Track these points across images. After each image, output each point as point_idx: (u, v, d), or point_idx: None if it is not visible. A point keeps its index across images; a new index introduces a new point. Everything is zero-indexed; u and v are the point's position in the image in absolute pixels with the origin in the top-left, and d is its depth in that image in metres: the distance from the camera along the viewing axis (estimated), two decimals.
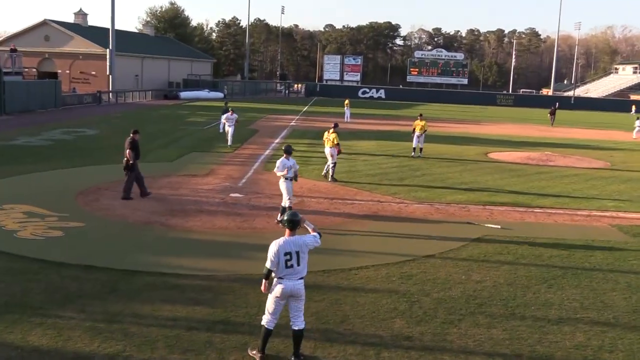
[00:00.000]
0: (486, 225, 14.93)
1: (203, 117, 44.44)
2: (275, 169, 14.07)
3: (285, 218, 7.67)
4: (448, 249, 12.83)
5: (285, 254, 7.55)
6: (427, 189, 19.44)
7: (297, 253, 7.59)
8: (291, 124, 42.41)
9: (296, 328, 7.77)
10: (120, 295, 9.65)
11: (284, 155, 14.04)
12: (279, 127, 38.97)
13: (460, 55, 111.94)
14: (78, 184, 17.86)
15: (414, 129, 26.68)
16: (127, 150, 16.19)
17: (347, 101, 46.45)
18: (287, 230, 7.67)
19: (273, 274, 7.73)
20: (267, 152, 26.90)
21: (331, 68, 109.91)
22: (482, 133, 41.17)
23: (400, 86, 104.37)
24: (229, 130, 27.96)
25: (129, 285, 10.10)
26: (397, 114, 56.97)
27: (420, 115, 27.44)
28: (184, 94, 69.05)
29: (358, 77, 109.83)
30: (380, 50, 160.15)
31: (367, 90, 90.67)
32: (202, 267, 11.10)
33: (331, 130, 20.75)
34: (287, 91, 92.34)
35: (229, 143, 27.46)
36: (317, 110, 58.34)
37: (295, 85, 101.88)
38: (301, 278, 7.68)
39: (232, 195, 17.28)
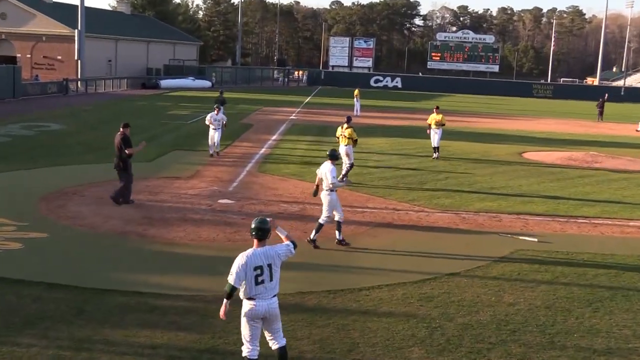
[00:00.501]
0: (520, 237, 14.90)
1: (187, 110, 44.54)
2: (333, 179, 13.45)
3: (253, 225, 7.63)
4: (475, 265, 12.82)
5: (255, 268, 7.49)
6: (452, 194, 19.45)
7: (270, 267, 7.53)
8: (291, 117, 42.48)
9: (278, 346, 7.80)
10: (88, 319, 9.66)
11: (330, 161, 13.68)
12: (276, 122, 39.05)
13: (490, 38, 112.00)
14: (40, 188, 17.91)
15: (430, 125, 26.61)
16: (129, 151, 16.27)
17: (357, 91, 46.54)
18: (255, 240, 7.63)
19: (240, 293, 7.65)
20: (263, 150, 26.94)
21: (338, 52, 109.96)
22: (516, 129, 41.17)
23: (420, 74, 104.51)
24: (215, 135, 24.52)
25: (99, 306, 10.11)
26: (415, 107, 57.02)
27: (437, 107, 27.19)
28: (165, 83, 69.30)
29: (370, 63, 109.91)
30: (396, 31, 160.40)
31: (381, 78, 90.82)
32: (186, 286, 11.11)
33: (345, 126, 20.81)
34: (286, 79, 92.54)
35: (212, 151, 24.56)
36: (322, 102, 58.42)
37: (296, 73, 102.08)
38: (275, 296, 7.66)
39: (221, 201, 17.31)
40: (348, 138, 20.68)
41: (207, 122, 24.58)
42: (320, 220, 13.66)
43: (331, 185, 13.47)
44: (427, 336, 9.57)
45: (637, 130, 42.77)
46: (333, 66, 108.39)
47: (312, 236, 13.61)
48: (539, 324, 10.19)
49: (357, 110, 44.59)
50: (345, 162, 20.65)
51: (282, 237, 7.98)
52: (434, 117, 26.56)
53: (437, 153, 26.21)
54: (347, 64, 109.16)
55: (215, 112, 24.59)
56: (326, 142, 30.52)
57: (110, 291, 10.66)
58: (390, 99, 66.57)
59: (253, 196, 17.98)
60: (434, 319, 10.20)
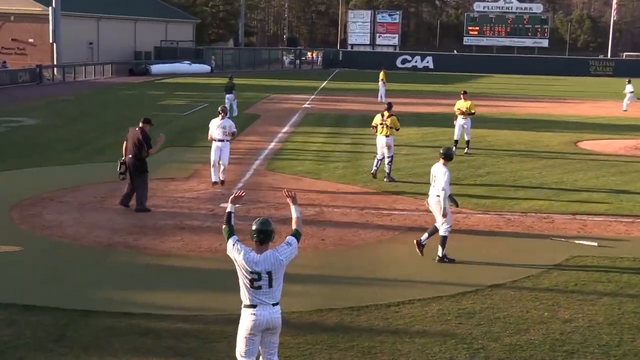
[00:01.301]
0: (577, 242, 14.83)
1: (183, 100, 44.73)
2: (447, 186, 13.30)
3: (254, 227, 7.74)
4: (524, 275, 12.77)
5: (251, 272, 7.63)
6: (495, 192, 19.39)
7: (269, 274, 7.64)
8: (304, 106, 42.55)
9: None
10: (70, 345, 9.72)
11: (442, 161, 13.58)
12: (287, 111, 39.13)
13: (537, 7, 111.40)
14: (12, 194, 18.05)
15: (458, 113, 26.03)
16: (137, 141, 16.48)
17: (382, 74, 46.43)
18: (257, 243, 7.74)
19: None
20: (272, 145, 27.01)
21: (358, 29, 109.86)
22: (570, 114, 40.97)
23: (455, 51, 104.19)
24: (221, 154, 19.27)
25: (82, 330, 10.17)
26: (450, 90, 56.83)
27: (464, 92, 26.69)
28: (156, 68, 69.68)
29: (396, 41, 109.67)
30: (427, 2, 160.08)
31: (409, 58, 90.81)
32: (184, 305, 11.16)
33: (386, 114, 20.93)
34: (297, 61, 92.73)
35: (215, 178, 19.41)
36: (340, 87, 58.46)
37: (309, 53, 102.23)
38: (276, 304, 7.76)
39: (224, 205, 17.35)
40: (390, 127, 20.76)
41: (209, 137, 19.49)
42: (442, 233, 13.48)
43: (442, 193, 13.31)
44: (468, 359, 9.55)
45: (624, 110, 43.47)
46: (352, 45, 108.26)
47: (440, 253, 13.49)
48: (601, 344, 10.14)
49: (381, 96, 44.60)
50: (385, 154, 20.79)
51: (294, 217, 8.10)
52: (461, 104, 26.02)
53: (467, 149, 25.68)
54: (368, 42, 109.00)
55: (220, 116, 19.33)
56: (345, 134, 30.56)
57: (96, 312, 10.72)
58: (420, 81, 66.51)
59: (261, 199, 18.03)
60: (476, 338, 10.17)
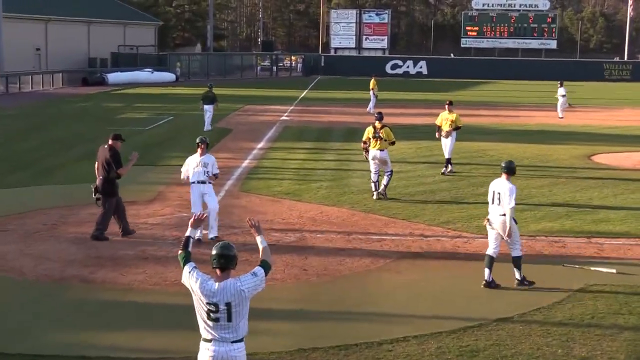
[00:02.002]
0: (593, 268, 14.88)
1: (144, 112, 44.67)
2: (513, 202, 13.59)
3: (213, 252, 7.69)
4: (534, 307, 12.80)
5: (208, 303, 7.58)
6: None
7: (228, 306, 7.55)
8: (282, 118, 42.62)
9: None
10: None
11: (504, 176, 13.85)
12: (263, 124, 39.16)
13: (544, 4, 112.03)
14: None
15: (439, 127, 25.49)
16: (120, 170, 16.53)
17: (373, 82, 46.22)
18: (217, 271, 7.68)
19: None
20: (246, 163, 27.01)
21: (342, 30, 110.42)
22: (583, 124, 41.25)
23: (452, 55, 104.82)
24: (206, 200, 16.74)
25: None
26: (446, 98, 57.11)
27: (449, 103, 26.27)
28: (113, 77, 69.64)
29: (385, 43, 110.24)
30: (419, 0, 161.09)
31: (400, 62, 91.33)
32: (148, 347, 11.11)
33: (378, 125, 21.12)
34: (274, 68, 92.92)
35: (199, 234, 15.75)
36: (323, 97, 58.61)
37: (287, 59, 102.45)
38: (238, 341, 7.64)
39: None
40: (384, 140, 20.90)
41: (183, 177, 16.99)
42: (516, 254, 13.80)
43: (509, 211, 13.54)
44: None
45: (560, 118, 44.42)
46: (336, 49, 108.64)
47: (519, 276, 13.74)
48: None
49: (371, 107, 44.71)
50: (385, 170, 21.07)
51: (260, 247, 8.06)
52: (445, 117, 25.51)
53: (449, 166, 25.23)
54: (354, 46, 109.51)
55: (199, 152, 16.81)
56: (329, 150, 30.61)
57: (47, 357, 10.65)
58: (413, 89, 66.82)
59: (234, 224, 17.99)
60: None
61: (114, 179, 16.65)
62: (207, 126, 36.08)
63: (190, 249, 8.12)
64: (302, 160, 28.00)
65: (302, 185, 22.83)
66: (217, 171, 16.96)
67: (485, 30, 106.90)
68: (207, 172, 16.45)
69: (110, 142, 16.86)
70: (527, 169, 26.33)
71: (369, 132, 21.13)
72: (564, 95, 44.86)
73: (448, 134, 25.19)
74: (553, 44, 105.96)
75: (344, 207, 20.12)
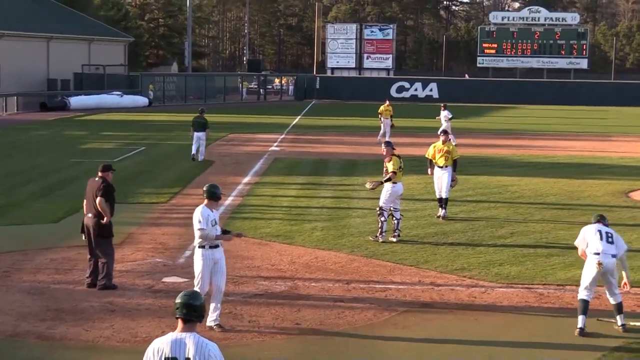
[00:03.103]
0: (632, 323, 14.82)
1: (112, 142, 44.64)
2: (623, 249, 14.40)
3: (178, 300, 7.80)
4: None
5: (167, 359, 7.64)
6: (521, 259, 19.42)
7: None
8: (271, 148, 42.62)
9: None
10: None
11: (598, 224, 14.62)
12: (249, 156, 39.17)
13: (573, 17, 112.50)
14: None
15: (431, 161, 24.61)
16: (99, 200, 16.38)
17: (385, 107, 45.89)
18: (180, 322, 7.77)
19: None
20: (230, 200, 26.96)
21: (340, 48, 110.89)
22: (619, 156, 41.25)
23: (466, 76, 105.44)
24: (219, 270, 14.43)
25: None
26: (461, 126, 57.30)
27: (444, 133, 25.28)
28: (76, 101, 69.61)
29: (390, 63, 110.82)
30: (428, 12, 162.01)
31: (407, 84, 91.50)
32: None
33: (385, 149, 21.52)
34: (262, 91, 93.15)
35: (211, 320, 14.16)
36: (317, 124, 58.66)
37: (277, 80, 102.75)
38: None
39: (166, 280, 17.26)
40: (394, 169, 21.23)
41: (206, 234, 14.30)
42: (586, 297, 14.22)
43: (624, 254, 14.03)
44: None
45: (436, 117, 45.46)
46: (333, 69, 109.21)
47: (581, 324, 14.08)
48: None
49: (384, 134, 44.46)
50: (398, 207, 21.34)
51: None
52: (438, 148, 24.60)
53: (444, 210, 24.33)
54: (354, 65, 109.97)
55: (208, 202, 14.59)
56: (325, 185, 30.59)
57: None
58: (422, 115, 66.81)
59: None
60: None
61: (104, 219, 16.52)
62: (200, 156, 36.21)
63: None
64: (294, 197, 27.95)
65: (294, 226, 22.76)
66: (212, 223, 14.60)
67: (504, 47, 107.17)
68: (207, 229, 14.35)
69: (100, 174, 16.75)
70: (555, 208, 26.31)
71: (396, 163, 21.30)
72: (450, 119, 44.45)
73: (444, 167, 24.40)
74: (584, 63, 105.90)
75: (342, 251, 20.02)
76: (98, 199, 16.38)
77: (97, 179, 16.70)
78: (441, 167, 24.42)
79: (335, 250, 20.15)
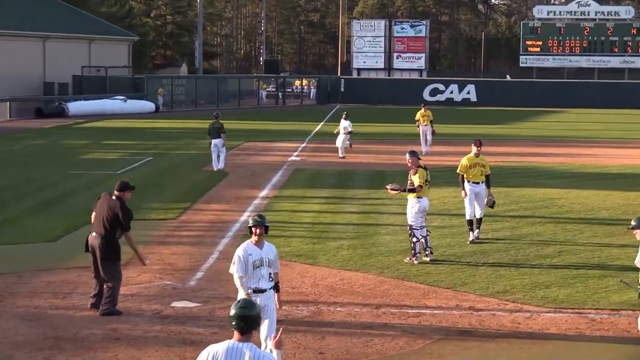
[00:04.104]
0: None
1: (115, 152, 44.81)
2: None
3: (232, 312, 8.44)
4: None
5: None
6: (570, 281, 19.40)
7: None
8: (291, 158, 42.66)
9: None
10: None
11: None
12: (267, 167, 39.25)
13: (627, 11, 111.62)
14: None
15: (464, 175, 23.68)
16: (129, 235, 16.54)
17: (423, 112, 45.24)
18: (236, 334, 8.40)
19: None
20: (245, 216, 26.98)
21: (368, 46, 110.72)
22: None
23: (507, 77, 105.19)
24: (268, 317, 13.29)
25: None
26: (502, 133, 57.24)
27: (478, 142, 24.16)
28: (75, 107, 69.86)
29: (422, 63, 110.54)
30: (465, 7, 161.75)
31: (441, 87, 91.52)
32: None
33: (410, 159, 21.26)
34: (280, 94, 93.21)
35: None
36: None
37: (297, 82, 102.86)
38: None
39: (176, 304, 17.32)
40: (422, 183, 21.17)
41: (241, 275, 13.29)
42: None
43: None
44: None
45: (340, 157, 42.79)
46: (359, 70, 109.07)
47: None
48: None
49: (426, 144, 44.32)
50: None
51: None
52: (472, 162, 23.72)
53: (477, 231, 23.75)
54: (382, 66, 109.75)
55: (254, 239, 13.40)
56: (352, 199, 30.59)
57: None
58: (459, 121, 66.84)
59: (230, 294, 17.90)
60: None
61: (117, 240, 16.59)
62: (220, 164, 36.64)
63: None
64: (316, 212, 28.00)
65: (317, 245, 22.80)
66: (278, 270, 13.88)
67: (550, 45, 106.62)
68: (271, 275, 13.53)
69: (116, 192, 16.69)
70: (608, 224, 26.20)
71: (422, 175, 21.12)
72: (349, 132, 43.80)
73: (478, 181, 23.69)
74: (639, 62, 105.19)
75: (370, 272, 20.09)
76: (126, 234, 16.53)
77: (114, 197, 16.68)
78: (477, 184, 23.69)
79: (363, 271, 20.21)
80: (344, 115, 44.94)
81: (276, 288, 13.49)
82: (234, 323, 8.34)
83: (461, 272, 20.03)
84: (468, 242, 23.25)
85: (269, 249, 13.46)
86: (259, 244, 13.30)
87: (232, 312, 8.37)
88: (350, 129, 43.79)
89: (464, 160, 23.74)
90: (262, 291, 13.18)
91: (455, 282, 19.18)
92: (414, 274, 19.86)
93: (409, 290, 18.63)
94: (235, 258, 13.25)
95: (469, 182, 23.61)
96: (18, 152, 45.07)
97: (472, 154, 23.81)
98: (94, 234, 16.61)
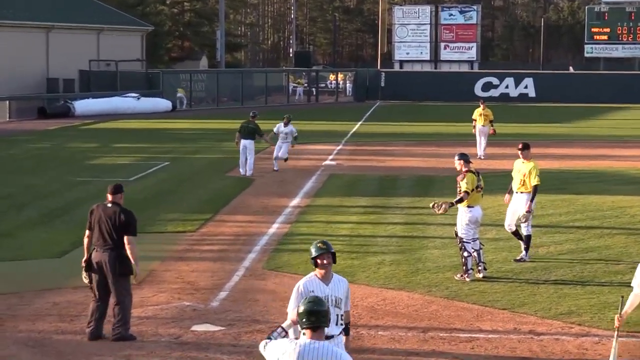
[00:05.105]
0: None
1: (128, 157, 44.95)
2: None
3: (302, 309, 8.96)
4: None
5: None
6: None
7: None
8: (326, 162, 42.66)
9: None
10: None
11: None
12: (298, 172, 39.26)
13: None
14: None
15: (511, 189, 23.38)
16: (130, 240, 16.40)
17: (482, 111, 44.61)
18: (308, 331, 8.87)
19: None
20: (274, 228, 27.03)
21: (411, 35, 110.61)
22: None
23: (571, 69, 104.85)
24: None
25: None
26: (564, 132, 57.03)
27: (524, 147, 23.35)
28: (82, 105, 70.06)
29: (473, 53, 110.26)
30: None
31: (495, 80, 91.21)
32: None
33: (459, 163, 21.32)
34: (313, 89, 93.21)
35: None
36: (383, 131, 58.68)
37: (332, 77, 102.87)
38: None
39: (196, 328, 17.32)
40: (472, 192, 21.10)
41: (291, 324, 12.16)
42: None
43: None
44: None
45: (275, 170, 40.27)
46: (401, 62, 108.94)
47: None
48: None
49: (482, 149, 43.94)
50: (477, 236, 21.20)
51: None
52: (517, 169, 23.36)
53: (525, 253, 22.95)
54: (428, 57, 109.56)
55: (324, 270, 12.45)
56: (395, 209, 30.55)
57: None
58: (515, 119, 66.51)
59: (258, 316, 17.99)
60: None
61: (126, 252, 16.39)
62: (249, 170, 37.03)
63: (274, 337, 9.72)
64: (355, 223, 27.96)
65: (355, 261, 22.75)
66: (349, 308, 12.92)
67: (619, 32, 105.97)
68: (340, 316, 12.42)
69: (110, 197, 16.60)
70: None
71: (473, 180, 21.02)
72: (293, 138, 40.24)
73: (525, 190, 22.92)
74: None
75: (416, 291, 20.03)
76: (130, 239, 16.34)
77: (109, 205, 16.57)
78: (516, 193, 23.15)
79: (408, 289, 20.16)
80: (285, 119, 40.72)
81: (346, 331, 12.34)
82: (304, 320, 8.78)
83: (519, 291, 19.94)
84: (514, 260, 22.77)
85: (337, 285, 12.51)
86: (325, 278, 12.30)
87: (301, 309, 8.86)
88: (295, 134, 40.15)
89: (517, 167, 23.33)
90: (328, 338, 11.21)
91: (513, 302, 19.09)
92: (466, 293, 19.80)
93: (460, 311, 18.57)
94: (293, 294, 12.10)
95: (511, 192, 23.30)
96: (18, 156, 45.24)
97: (519, 160, 23.35)
98: (98, 249, 16.45)
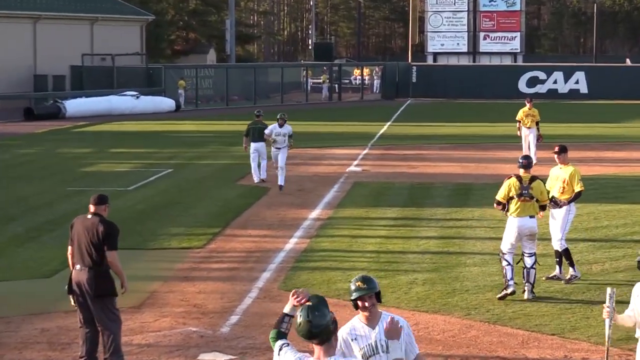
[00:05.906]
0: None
1: (126, 163, 45.05)
2: None
3: (300, 319, 9.20)
4: None
5: None
6: None
7: None
8: (350, 168, 42.68)
9: None
10: None
11: None
12: (319, 180, 39.29)
13: None
14: None
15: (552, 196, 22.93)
16: (111, 254, 16.24)
17: (527, 111, 43.65)
18: (316, 348, 9.19)
19: None
20: (292, 243, 27.06)
21: (446, 24, 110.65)
22: None
23: (628, 61, 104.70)
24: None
25: None
26: (621, 134, 56.97)
27: (560, 150, 23.52)
28: (74, 105, 70.23)
29: (517, 44, 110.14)
30: None
31: (542, 75, 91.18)
32: None
33: (524, 173, 21.32)
34: (335, 86, 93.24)
35: None
36: (415, 133, 58.73)
37: (357, 72, 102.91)
38: None
39: (204, 357, 17.35)
40: (535, 201, 21.14)
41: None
42: None
43: None
44: None
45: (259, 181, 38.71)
46: (435, 54, 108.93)
47: None
48: None
49: (533, 152, 43.59)
50: (531, 251, 21.15)
51: None
52: (555, 175, 23.41)
53: (573, 269, 22.67)
54: (466, 49, 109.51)
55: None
56: (428, 221, 30.55)
57: None
58: (566, 118, 66.49)
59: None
60: None
61: (108, 269, 16.25)
62: (262, 174, 37.02)
63: (284, 328, 9.84)
64: (383, 238, 27.98)
65: (384, 280, 22.72)
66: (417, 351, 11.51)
67: None
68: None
69: (92, 208, 16.45)
70: None
71: (510, 187, 20.97)
72: (291, 137, 38.11)
73: (564, 200, 22.86)
74: None
75: (453, 314, 20.05)
76: (109, 253, 16.14)
77: (89, 216, 16.39)
78: (560, 202, 22.95)
79: (444, 313, 20.18)
80: (279, 119, 38.36)
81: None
82: (303, 329, 9.13)
83: (570, 314, 19.91)
84: (544, 279, 22.64)
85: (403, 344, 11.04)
86: (371, 321, 11.21)
87: (299, 319, 9.22)
88: (290, 133, 38.04)
89: (551, 177, 23.54)
90: None
91: (563, 326, 19.09)
92: (510, 317, 19.78)
93: (504, 337, 18.57)
94: (338, 343, 10.53)
95: (551, 203, 22.90)
96: (3, 163, 45.35)
97: (557, 166, 23.54)
98: (77, 267, 16.27)
